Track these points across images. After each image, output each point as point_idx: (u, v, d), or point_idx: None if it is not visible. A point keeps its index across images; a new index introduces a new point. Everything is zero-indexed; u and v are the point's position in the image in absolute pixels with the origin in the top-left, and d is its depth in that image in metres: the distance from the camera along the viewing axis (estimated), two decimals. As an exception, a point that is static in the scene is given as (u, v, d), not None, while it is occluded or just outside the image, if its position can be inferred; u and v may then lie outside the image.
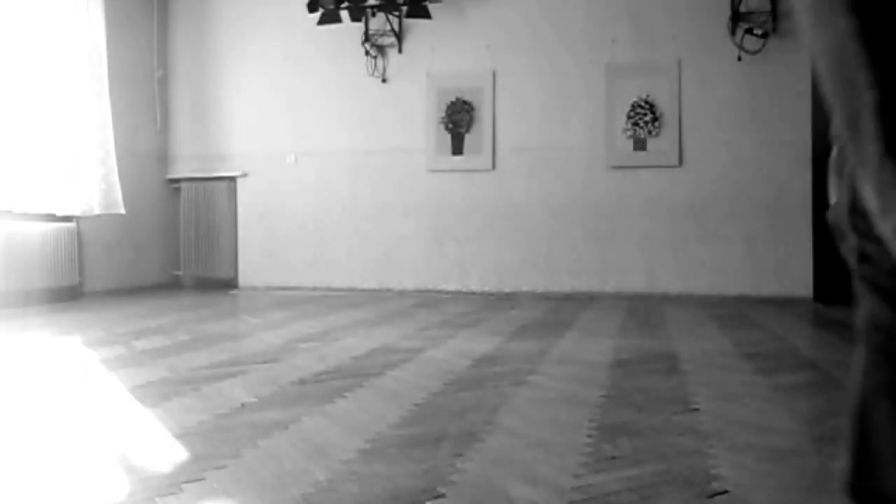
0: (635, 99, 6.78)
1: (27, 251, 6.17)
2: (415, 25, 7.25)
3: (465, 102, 7.00)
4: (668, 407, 2.68)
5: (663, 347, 4.00)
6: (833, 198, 0.90)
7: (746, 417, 2.54)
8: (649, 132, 6.75)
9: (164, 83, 8.03)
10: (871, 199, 0.61)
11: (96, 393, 3.03)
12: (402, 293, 7.11)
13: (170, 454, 2.16)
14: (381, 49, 7.37)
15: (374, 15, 7.26)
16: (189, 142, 8.03)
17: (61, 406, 2.82)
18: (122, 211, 6.94)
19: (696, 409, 2.64)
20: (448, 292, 7.11)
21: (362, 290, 7.35)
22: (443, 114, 7.09)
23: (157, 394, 2.94)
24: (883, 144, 0.57)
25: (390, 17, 7.23)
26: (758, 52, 6.46)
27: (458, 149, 7.06)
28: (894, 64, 0.58)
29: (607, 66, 6.86)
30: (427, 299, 6.64)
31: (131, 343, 4.24)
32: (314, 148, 7.62)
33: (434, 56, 7.19)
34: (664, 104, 6.74)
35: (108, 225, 7.07)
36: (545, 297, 6.75)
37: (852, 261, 0.73)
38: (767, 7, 6.41)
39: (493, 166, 6.96)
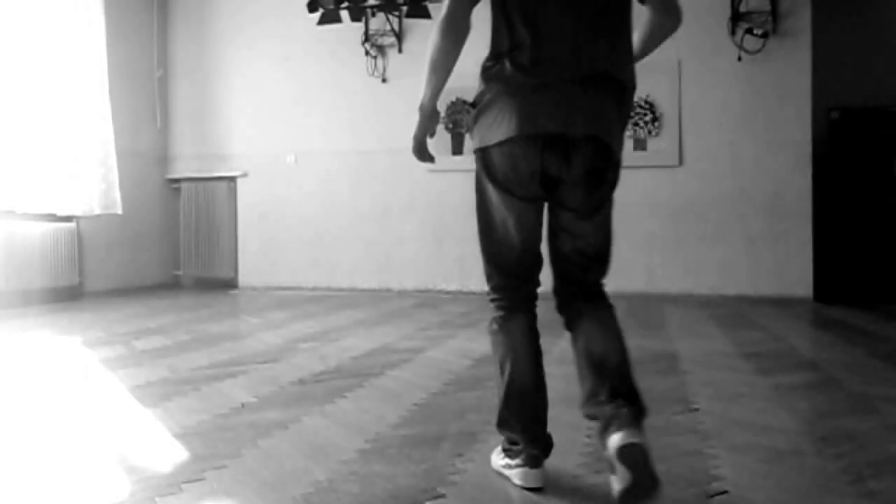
0: (635, 99, 6.77)
1: (27, 251, 6.17)
2: (415, 25, 7.24)
3: (464, 102, 7.00)
4: (668, 407, 2.68)
5: (663, 347, 3.99)
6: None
7: (746, 417, 2.54)
8: (649, 132, 6.75)
9: (164, 83, 8.03)
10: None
11: (96, 393, 3.02)
12: (402, 293, 7.11)
13: (170, 454, 2.16)
14: (381, 49, 7.37)
15: (374, 15, 7.26)
16: (189, 142, 8.03)
17: (61, 406, 2.82)
18: (120, 211, 6.94)
19: (696, 409, 2.64)
20: (448, 292, 7.11)
21: (362, 290, 7.35)
22: (443, 114, 7.09)
23: (157, 394, 2.94)
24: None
25: (390, 17, 7.23)
26: (758, 52, 6.46)
27: (458, 149, 7.07)
28: None
29: (607, 66, 6.85)
30: (427, 299, 6.64)
31: (131, 343, 4.24)
32: (314, 148, 7.62)
33: (434, 56, 7.18)
34: (664, 104, 6.74)
35: (107, 225, 7.07)
36: (545, 297, 6.74)
37: None
38: (767, 7, 6.41)
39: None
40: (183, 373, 3.37)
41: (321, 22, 7.21)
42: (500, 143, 1.77)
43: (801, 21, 6.47)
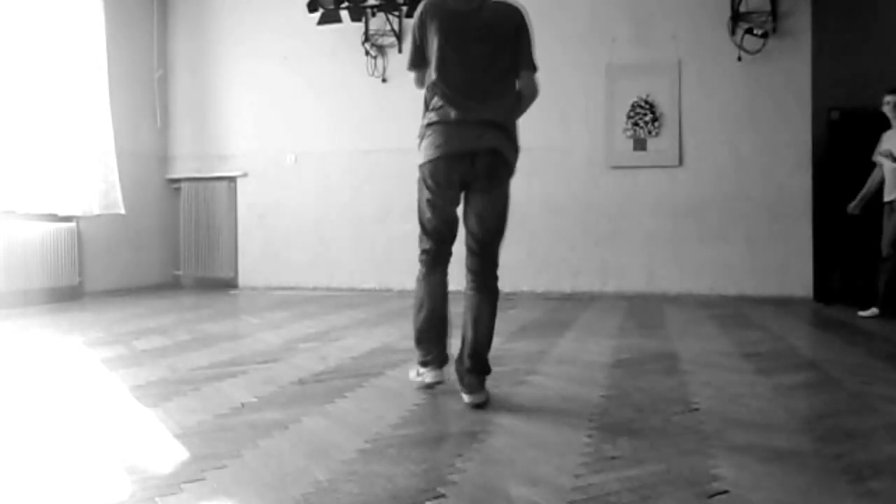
0: (635, 99, 6.78)
1: (27, 251, 6.17)
2: (415, 25, 7.24)
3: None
4: (668, 407, 2.68)
5: (663, 347, 4.00)
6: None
7: (746, 417, 2.54)
8: (649, 132, 6.75)
9: (164, 83, 8.03)
10: None
11: (97, 393, 3.03)
12: (402, 293, 7.10)
13: (170, 454, 2.16)
14: (381, 49, 7.37)
15: (374, 15, 7.26)
16: (189, 142, 8.03)
17: (62, 406, 2.82)
18: (122, 211, 6.94)
19: (696, 409, 2.64)
20: (448, 292, 7.10)
21: (362, 290, 7.35)
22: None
23: (157, 394, 2.94)
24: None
25: (390, 17, 7.23)
26: (758, 52, 6.46)
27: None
28: None
29: (607, 66, 6.86)
30: (427, 299, 6.63)
31: (131, 343, 4.24)
32: (314, 148, 7.62)
33: (434, 56, 7.18)
34: (664, 104, 6.74)
35: (108, 225, 7.07)
36: (545, 297, 6.75)
37: None
38: (767, 7, 6.41)
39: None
40: (183, 373, 3.37)
41: (321, 22, 7.21)
42: (432, 161, 2.72)
43: (801, 21, 6.47)
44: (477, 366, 2.75)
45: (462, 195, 2.81)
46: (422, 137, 2.79)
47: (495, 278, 2.84)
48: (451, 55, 2.73)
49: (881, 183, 5.45)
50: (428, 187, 2.78)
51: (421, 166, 2.79)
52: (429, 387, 2.92)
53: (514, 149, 2.80)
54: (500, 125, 2.72)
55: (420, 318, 2.90)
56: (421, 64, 2.84)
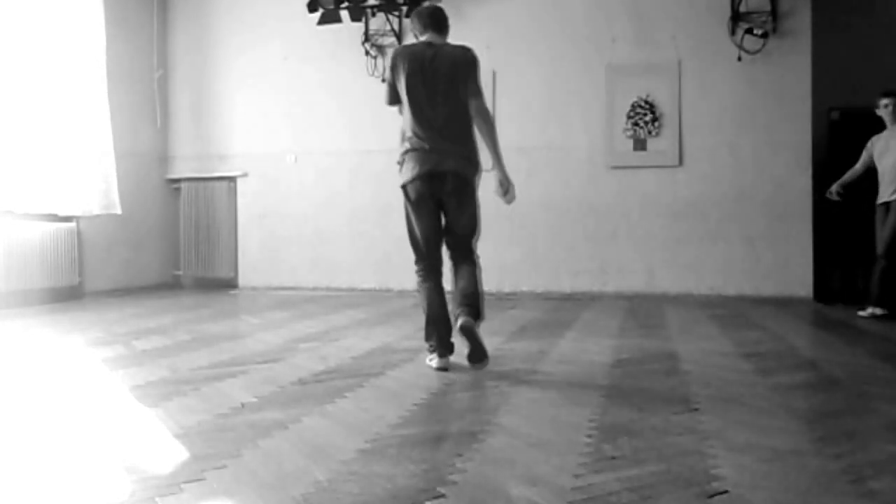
0: (635, 99, 6.78)
1: (27, 251, 6.17)
2: (415, 25, 7.24)
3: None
4: (668, 407, 2.68)
5: (663, 347, 3.99)
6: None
7: (746, 417, 2.54)
8: (649, 132, 6.75)
9: (164, 83, 8.03)
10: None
11: (97, 393, 3.03)
12: (402, 293, 7.11)
13: (170, 454, 2.16)
14: (381, 49, 7.37)
15: (374, 15, 7.26)
16: (189, 142, 8.03)
17: (62, 406, 2.82)
18: (119, 211, 6.93)
19: (696, 409, 2.64)
20: (448, 292, 7.10)
21: (362, 290, 7.35)
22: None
23: (157, 394, 2.94)
24: None
25: (390, 16, 7.23)
26: (758, 52, 6.47)
27: (458, 149, 7.07)
28: None
29: (607, 66, 6.87)
30: (427, 299, 6.63)
31: (131, 343, 4.24)
32: (314, 148, 7.62)
33: (434, 56, 7.18)
34: (664, 104, 6.74)
35: (107, 225, 7.07)
36: (545, 297, 6.75)
37: None
38: (767, 7, 6.41)
39: (493, 166, 6.94)
40: (183, 373, 3.37)
41: (321, 22, 7.21)
42: (411, 181, 3.34)
43: (801, 21, 6.47)
44: (465, 301, 3.23)
45: (440, 211, 3.40)
46: (401, 163, 3.41)
47: (473, 254, 3.45)
48: (416, 94, 3.33)
49: (860, 175, 5.61)
50: (411, 202, 3.39)
51: (403, 186, 3.39)
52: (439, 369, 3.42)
53: (475, 169, 3.41)
54: (459, 152, 3.35)
55: (425, 315, 3.47)
56: (396, 100, 3.44)
